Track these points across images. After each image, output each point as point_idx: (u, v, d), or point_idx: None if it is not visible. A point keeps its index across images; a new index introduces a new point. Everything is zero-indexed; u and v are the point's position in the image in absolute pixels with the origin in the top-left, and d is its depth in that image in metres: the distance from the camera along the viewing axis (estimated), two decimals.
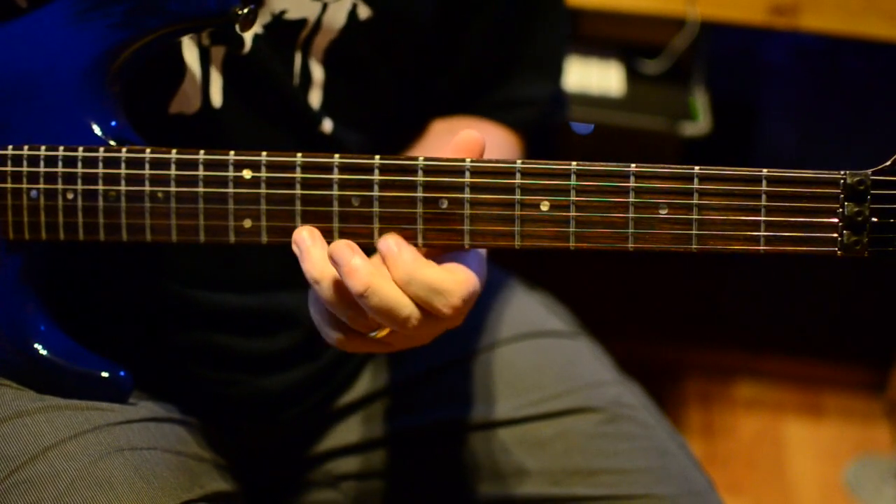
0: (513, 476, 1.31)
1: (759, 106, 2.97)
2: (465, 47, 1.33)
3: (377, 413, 1.36)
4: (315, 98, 1.23)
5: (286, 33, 1.19)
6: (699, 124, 2.23)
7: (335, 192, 1.01)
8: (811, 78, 2.92)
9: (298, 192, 1.02)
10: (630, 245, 0.98)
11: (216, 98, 1.18)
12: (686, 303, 2.98)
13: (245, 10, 1.07)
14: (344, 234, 1.01)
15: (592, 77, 2.31)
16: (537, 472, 1.30)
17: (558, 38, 1.40)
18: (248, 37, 1.17)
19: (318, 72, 1.22)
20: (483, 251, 1.05)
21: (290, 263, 1.27)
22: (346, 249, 0.95)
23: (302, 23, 1.19)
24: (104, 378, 1.15)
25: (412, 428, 1.35)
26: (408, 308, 0.96)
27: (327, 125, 1.24)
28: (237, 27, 1.08)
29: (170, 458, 1.14)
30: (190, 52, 1.16)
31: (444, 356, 1.36)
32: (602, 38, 2.36)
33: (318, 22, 1.20)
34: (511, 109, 1.37)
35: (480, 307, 1.39)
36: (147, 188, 1.05)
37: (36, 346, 1.13)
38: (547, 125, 1.40)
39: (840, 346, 2.93)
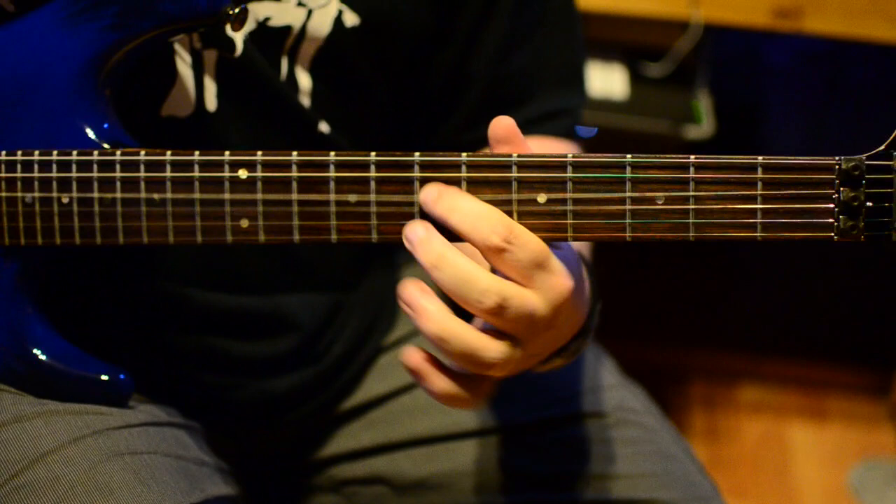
0: (516, 480, 1.30)
1: (762, 109, 2.97)
2: (476, 67, 1.30)
3: (380, 418, 1.36)
4: (305, 103, 1.22)
5: (271, 41, 1.18)
6: (703, 127, 2.23)
7: (332, 189, 1.01)
8: (815, 80, 2.92)
9: (295, 189, 1.02)
10: (628, 235, 0.98)
11: (210, 101, 1.17)
12: (689, 306, 2.98)
13: (236, 10, 1.06)
14: (342, 232, 1.01)
15: (596, 80, 2.31)
16: (541, 476, 1.29)
17: (575, 48, 1.37)
18: (238, 39, 1.16)
19: (304, 80, 1.22)
20: (584, 252, 1.07)
21: (290, 266, 1.27)
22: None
23: (286, 30, 1.18)
24: (104, 381, 1.14)
25: (414, 433, 1.34)
26: (484, 280, 0.95)
27: (324, 126, 1.23)
28: (228, 27, 1.08)
29: (170, 462, 1.14)
30: (182, 56, 1.15)
31: None
32: (606, 41, 2.35)
33: (304, 29, 1.19)
34: (545, 122, 1.34)
35: None
36: (143, 190, 1.04)
37: (34, 350, 1.13)
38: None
39: (844, 350, 2.93)
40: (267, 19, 1.17)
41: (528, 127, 1.32)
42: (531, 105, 1.33)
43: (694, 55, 2.33)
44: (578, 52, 1.38)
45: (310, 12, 1.18)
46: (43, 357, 1.13)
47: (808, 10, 2.21)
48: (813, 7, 2.21)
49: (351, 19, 1.20)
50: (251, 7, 1.16)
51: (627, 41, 2.38)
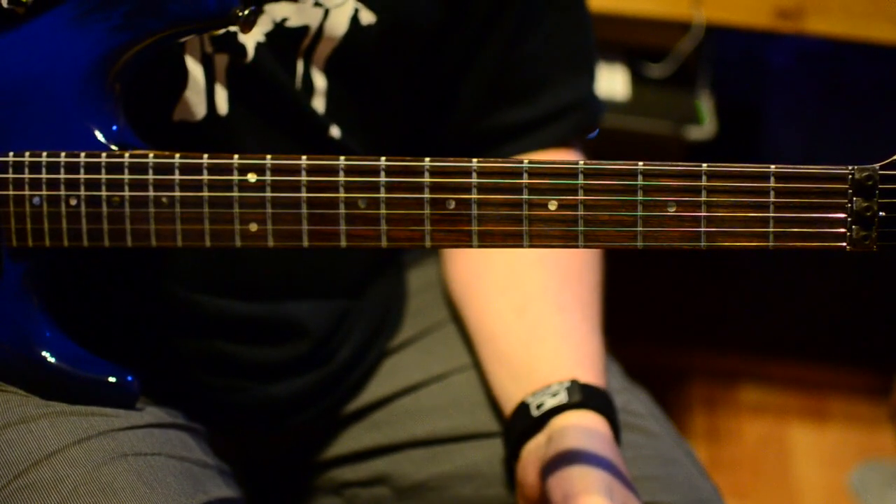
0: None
1: (764, 109, 2.97)
2: (487, 57, 1.29)
3: (382, 420, 1.36)
4: (318, 106, 1.23)
5: (288, 42, 1.18)
6: (704, 128, 2.23)
7: (341, 195, 1.01)
8: (816, 81, 2.92)
9: (304, 194, 1.02)
10: (639, 244, 0.98)
11: (221, 105, 1.17)
12: (690, 307, 2.98)
13: (245, 12, 1.06)
14: (351, 237, 1.01)
15: (598, 81, 2.30)
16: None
17: (585, 30, 1.35)
18: (250, 45, 1.16)
19: (320, 80, 1.22)
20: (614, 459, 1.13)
21: (298, 271, 1.27)
22: None
23: (304, 30, 1.18)
24: (111, 383, 1.14)
25: (416, 435, 1.34)
26: None
27: (335, 130, 1.23)
28: (238, 29, 1.08)
29: (174, 463, 1.14)
30: (193, 59, 1.15)
31: (451, 363, 1.35)
32: (607, 41, 2.35)
33: (321, 29, 1.19)
34: (560, 118, 1.33)
35: None
36: (151, 193, 1.05)
37: (42, 353, 1.13)
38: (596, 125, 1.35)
39: (845, 351, 2.93)
40: (284, 20, 1.17)
41: (545, 123, 1.32)
42: (546, 94, 1.32)
43: (696, 56, 2.33)
44: (588, 35, 1.36)
45: (327, 12, 1.18)
46: (51, 359, 1.13)
47: (810, 11, 2.21)
48: (814, 8, 2.21)
49: (367, 17, 1.20)
50: (268, 8, 1.16)
51: (629, 42, 2.37)
